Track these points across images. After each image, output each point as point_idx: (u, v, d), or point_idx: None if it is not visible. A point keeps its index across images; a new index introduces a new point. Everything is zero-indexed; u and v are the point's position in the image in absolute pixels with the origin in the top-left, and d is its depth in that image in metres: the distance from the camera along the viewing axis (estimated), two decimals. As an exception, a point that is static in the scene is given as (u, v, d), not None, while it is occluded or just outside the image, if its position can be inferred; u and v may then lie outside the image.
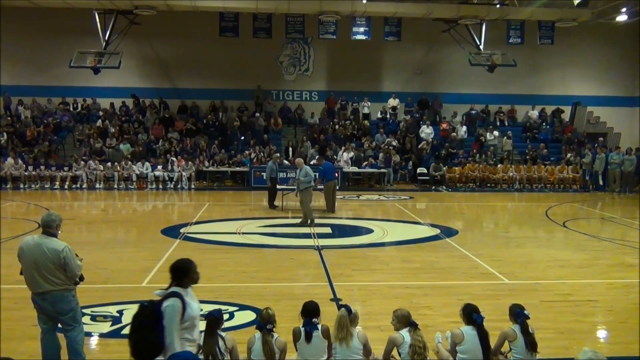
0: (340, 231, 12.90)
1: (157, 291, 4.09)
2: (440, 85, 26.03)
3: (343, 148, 22.35)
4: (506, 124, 25.86)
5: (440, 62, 25.76)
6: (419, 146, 23.29)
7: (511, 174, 21.61)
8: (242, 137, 23.29)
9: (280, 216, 14.54)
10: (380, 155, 21.98)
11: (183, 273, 4.13)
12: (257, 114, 24.41)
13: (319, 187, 14.31)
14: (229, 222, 13.53)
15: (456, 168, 21.74)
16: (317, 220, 13.42)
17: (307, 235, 11.95)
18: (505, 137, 23.63)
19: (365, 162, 21.66)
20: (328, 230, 12.68)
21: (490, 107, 26.07)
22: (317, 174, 14.29)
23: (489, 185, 21.49)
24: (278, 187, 15.59)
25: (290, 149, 22.50)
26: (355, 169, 21.74)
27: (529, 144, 24.26)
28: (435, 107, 25.75)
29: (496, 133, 24.13)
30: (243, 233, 12.13)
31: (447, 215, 15.51)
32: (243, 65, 24.75)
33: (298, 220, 13.22)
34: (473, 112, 25.50)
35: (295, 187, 13.46)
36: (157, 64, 25.24)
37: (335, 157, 21.56)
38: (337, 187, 16.16)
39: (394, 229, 13.03)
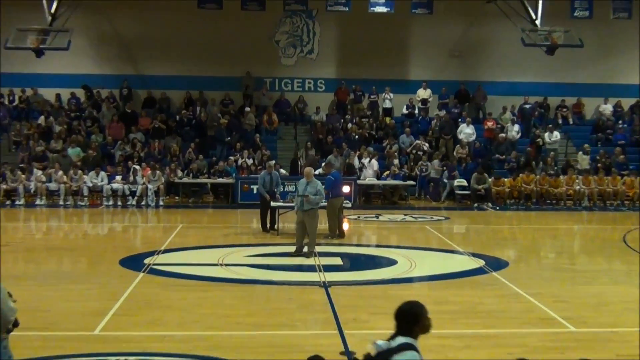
0: (354, 263, 13.05)
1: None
2: (485, 72, 26.31)
3: (357, 153, 22.64)
4: (570, 121, 26.24)
5: (485, 41, 26.24)
6: (455, 151, 23.73)
7: (578, 187, 21.74)
8: (227, 139, 23.50)
9: (275, 242, 14.61)
10: (435, 162, 22.33)
11: (413, 319, 4.31)
12: (247, 109, 24.69)
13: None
14: (209, 250, 13.65)
15: (505, 180, 21.86)
16: (323, 249, 13.56)
17: (310, 268, 12.01)
18: (580, 152, 23.77)
19: (387, 172, 22.04)
20: (337, 261, 12.76)
21: (549, 100, 26.39)
22: (322, 187, 14.27)
23: (548, 202, 21.69)
24: (273, 203, 15.61)
25: (300, 156, 22.55)
26: (373, 181, 21.97)
27: (600, 147, 24.57)
28: (477, 100, 26.05)
29: (558, 134, 24.38)
30: (226, 265, 12.24)
31: (494, 242, 15.70)
32: (228, 46, 25.15)
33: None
34: (527, 106, 25.76)
35: (295, 204, 13.47)
36: (116, 45, 25.53)
37: (352, 165, 21.89)
38: (350, 205, 16.39)
39: (424, 260, 13.16)
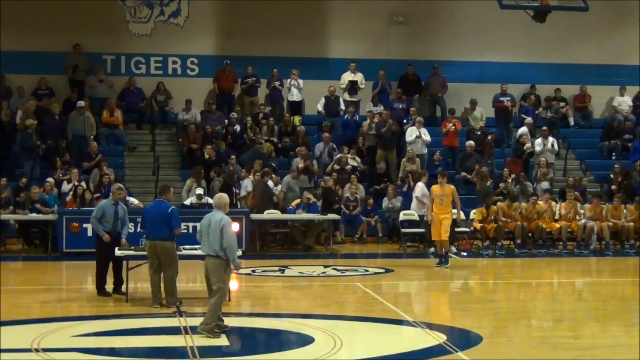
0: (247, 343, 12.06)
1: None
2: (443, 47, 25.03)
3: (249, 172, 20.48)
4: (571, 122, 24.93)
5: (442, 2, 25.18)
6: (401, 167, 22.10)
7: (582, 221, 19.96)
8: (42, 147, 21.69)
9: (122, 313, 13.27)
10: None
11: None
12: (78, 102, 22.43)
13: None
14: (17, 328, 12.23)
15: (474, 210, 20.50)
16: (197, 321, 12.36)
17: (177, 353, 10.42)
18: (582, 167, 23.58)
19: (297, 201, 20.40)
20: (221, 340, 11.24)
21: (538, 88, 24.97)
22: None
23: (540, 242, 20.26)
24: (119, 251, 14.10)
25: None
26: (274, 215, 20.02)
27: (615, 159, 23.59)
28: (432, 89, 24.56)
29: (553, 141, 22.64)
30: (45, 350, 10.54)
31: (460, 306, 14.85)
32: (43, 6, 22.82)
33: (163, 314, 12.67)
34: (505, 99, 24.17)
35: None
36: None
37: (237, 191, 20.39)
38: (240, 252, 14.90)
39: (355, 336, 12.08)
